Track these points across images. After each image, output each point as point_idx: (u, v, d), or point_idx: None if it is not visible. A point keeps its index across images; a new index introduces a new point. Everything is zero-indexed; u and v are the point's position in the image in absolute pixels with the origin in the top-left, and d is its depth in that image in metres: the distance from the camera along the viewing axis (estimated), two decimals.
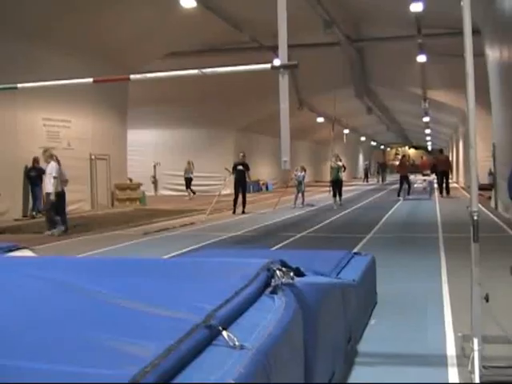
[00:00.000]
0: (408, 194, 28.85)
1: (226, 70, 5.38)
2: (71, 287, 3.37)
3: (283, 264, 3.73)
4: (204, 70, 4.85)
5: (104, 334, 2.45)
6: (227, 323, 2.68)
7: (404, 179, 29.29)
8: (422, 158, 36.46)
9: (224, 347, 2.46)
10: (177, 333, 2.40)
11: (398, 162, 37.43)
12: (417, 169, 64.70)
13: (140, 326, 2.58)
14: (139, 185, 28.95)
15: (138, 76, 5.85)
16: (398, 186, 30.60)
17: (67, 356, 2.27)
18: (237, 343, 2.46)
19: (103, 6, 20.38)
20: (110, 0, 20.32)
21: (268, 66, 4.83)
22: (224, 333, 2.53)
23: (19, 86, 6.15)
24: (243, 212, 22.45)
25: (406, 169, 29.93)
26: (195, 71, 4.85)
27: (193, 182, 34.42)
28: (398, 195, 28.85)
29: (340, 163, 25.71)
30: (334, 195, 25.41)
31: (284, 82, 4.73)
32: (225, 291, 3.05)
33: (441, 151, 38.64)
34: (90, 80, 5.57)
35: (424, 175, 33.52)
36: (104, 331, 2.50)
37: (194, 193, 33.39)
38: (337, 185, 25.33)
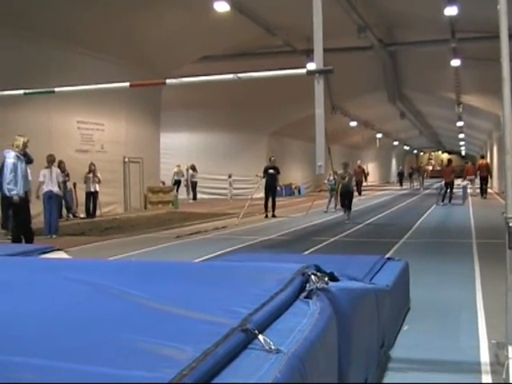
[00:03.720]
0: (449, 200, 28.42)
1: (261, 75, 5.39)
2: (107, 290, 3.41)
3: (318, 269, 3.73)
4: (240, 75, 4.87)
5: (141, 337, 2.47)
6: (263, 327, 2.69)
7: (448, 185, 28.94)
8: (466, 163, 36.10)
9: (260, 351, 2.47)
10: (213, 336, 2.41)
11: (430, 167, 37.17)
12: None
13: (176, 329, 2.60)
14: (172, 188, 29.08)
15: (174, 80, 5.89)
16: (432, 191, 30.30)
17: (105, 358, 2.30)
18: (273, 347, 2.47)
19: (137, 10, 20.50)
20: (144, 4, 20.42)
21: (303, 71, 4.83)
22: (260, 337, 2.54)
23: (56, 90, 6.21)
24: (273, 216, 22.44)
25: (451, 174, 29.49)
26: (231, 76, 4.87)
27: (224, 185, 34.51)
28: (443, 200, 28.52)
29: (345, 174, 21.15)
30: (343, 206, 21.29)
31: (319, 87, 4.73)
32: (260, 295, 3.06)
33: (482, 157, 38.39)
34: (127, 84, 5.61)
35: (469, 181, 33.12)
36: (141, 334, 2.52)
37: (194, 198, 33.72)
38: (346, 197, 20.94)
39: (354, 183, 24.31)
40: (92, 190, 22.02)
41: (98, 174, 21.97)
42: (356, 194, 26.01)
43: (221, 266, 4.83)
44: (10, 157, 12.45)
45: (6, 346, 2.47)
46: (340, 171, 21.69)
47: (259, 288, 3.28)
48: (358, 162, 30.85)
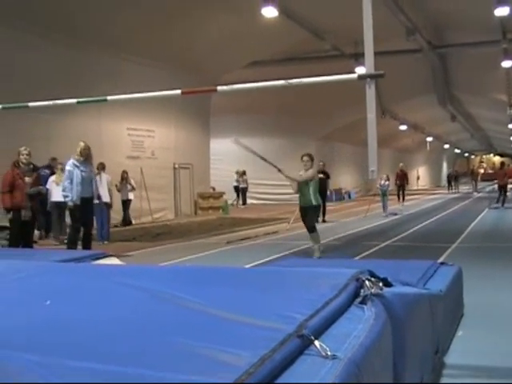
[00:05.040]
0: (502, 204, 27.96)
1: (312, 81, 5.38)
2: (162, 295, 3.44)
3: (371, 274, 3.72)
4: (290, 81, 4.87)
5: (198, 342, 2.49)
6: (318, 333, 2.69)
7: (501, 188, 28.51)
8: None
9: (316, 357, 2.47)
10: (270, 342, 2.42)
11: (482, 170, 36.66)
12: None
13: (232, 334, 2.62)
14: (222, 194, 29.18)
15: (225, 87, 5.92)
16: (484, 194, 29.87)
17: (162, 363, 2.32)
18: (329, 353, 2.47)
19: (185, 16, 20.63)
20: (192, 10, 20.54)
21: (355, 75, 4.82)
22: (316, 342, 2.54)
23: (109, 98, 6.30)
24: (324, 221, 22.38)
25: (504, 177, 28.98)
26: (282, 82, 4.88)
27: (276, 190, 34.52)
28: (497, 202, 28.12)
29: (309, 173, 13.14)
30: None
31: (371, 91, 4.71)
32: (315, 301, 3.06)
33: None
34: (178, 92, 5.65)
35: None
36: (197, 339, 2.54)
37: (244, 203, 33.67)
38: (306, 213, 13.02)
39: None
40: (125, 198, 21.49)
41: (132, 182, 21.51)
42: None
43: (274, 271, 4.84)
44: (68, 164, 12.73)
45: (64, 350, 2.51)
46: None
47: (314, 293, 3.28)
48: (401, 164, 30.44)
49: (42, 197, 13.80)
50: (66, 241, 16.32)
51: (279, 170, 13.53)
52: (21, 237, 12.97)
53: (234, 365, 2.20)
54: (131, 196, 21.55)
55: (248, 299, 3.35)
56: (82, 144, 12.99)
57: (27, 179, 12.69)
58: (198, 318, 2.93)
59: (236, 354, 2.31)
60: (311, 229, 13.07)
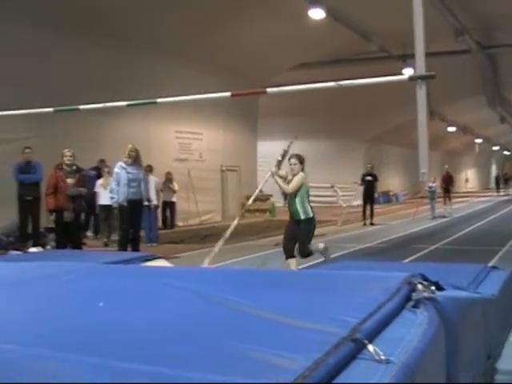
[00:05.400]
0: None
1: (362, 82, 5.35)
2: (211, 297, 3.44)
3: (424, 278, 3.68)
4: (340, 83, 4.85)
5: (249, 345, 2.49)
6: (372, 337, 2.67)
7: None
8: None
9: (370, 361, 2.44)
10: (323, 346, 2.41)
11: None
12: None
13: (285, 337, 2.61)
14: (269, 196, 29.18)
15: (274, 89, 5.92)
16: None
17: (213, 366, 2.32)
18: (382, 357, 2.45)
19: (232, 19, 20.69)
20: (239, 13, 20.59)
21: (405, 77, 4.79)
22: (369, 346, 2.52)
23: (158, 100, 6.36)
24: (371, 223, 22.28)
25: None
26: (332, 84, 4.86)
27: (323, 193, 34.38)
28: None
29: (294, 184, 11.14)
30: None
31: (421, 93, 4.67)
32: (367, 304, 3.03)
33: None
34: (228, 94, 5.67)
35: None
36: (248, 342, 2.54)
37: None
38: (295, 230, 11.05)
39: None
40: (168, 199, 21.30)
41: (175, 184, 21.31)
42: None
43: (324, 274, 4.82)
44: (116, 166, 12.91)
45: (116, 352, 2.53)
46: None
47: (365, 297, 3.25)
48: (446, 167, 30.18)
49: (85, 198, 13.91)
50: (106, 242, 16.59)
51: (272, 174, 11.43)
52: (68, 239, 13.15)
53: (287, 368, 2.19)
54: (174, 198, 21.36)
55: (299, 302, 3.34)
56: (129, 146, 13.16)
57: (69, 180, 12.87)
58: (248, 321, 2.92)
59: (289, 358, 2.30)
60: (304, 253, 10.84)
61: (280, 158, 11.93)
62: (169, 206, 21.36)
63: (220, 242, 11.83)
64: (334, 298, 3.36)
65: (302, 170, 11.44)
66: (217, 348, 2.52)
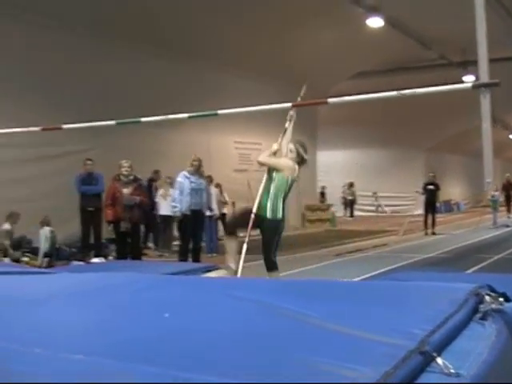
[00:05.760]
0: None
1: (425, 91, 5.27)
2: (274, 309, 3.42)
3: (491, 289, 3.61)
4: (403, 92, 4.80)
5: (316, 357, 2.46)
6: (440, 349, 2.62)
7: None
8: None
9: (439, 374, 2.40)
10: (391, 358, 2.37)
11: None
12: None
13: (352, 350, 2.58)
14: (329, 206, 29.09)
15: (335, 99, 5.91)
16: None
17: (279, 378, 2.30)
18: (452, 370, 2.40)
19: (288, 29, 20.70)
20: (296, 23, 20.58)
21: (469, 85, 4.72)
22: (438, 359, 2.47)
23: (219, 112, 6.38)
24: (433, 233, 22.03)
25: None
26: (394, 93, 4.82)
27: (384, 202, 34.20)
28: None
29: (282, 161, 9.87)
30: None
31: (485, 101, 4.61)
32: (434, 316, 2.98)
33: None
34: (289, 105, 5.66)
35: None
36: (314, 354, 2.51)
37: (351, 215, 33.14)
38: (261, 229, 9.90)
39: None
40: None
41: (225, 195, 19.85)
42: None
43: (388, 284, 4.76)
44: (179, 176, 13.04)
45: (180, 363, 2.53)
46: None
47: (432, 308, 3.20)
48: (507, 175, 29.72)
49: (143, 208, 13.93)
50: (165, 253, 16.68)
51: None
52: (128, 249, 13.29)
53: (356, 381, 2.17)
54: (225, 210, 19.86)
55: (363, 313, 3.30)
56: (193, 156, 13.26)
57: (125, 190, 13.00)
58: (313, 333, 2.89)
59: (357, 371, 2.27)
60: (267, 263, 9.37)
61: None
62: (219, 217, 20.93)
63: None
64: (400, 310, 3.32)
65: (299, 164, 9.81)
66: (282, 360, 2.51)
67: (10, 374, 2.38)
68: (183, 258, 13.01)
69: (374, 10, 20.08)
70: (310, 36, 21.75)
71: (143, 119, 7.69)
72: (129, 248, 13.59)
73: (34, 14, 15.19)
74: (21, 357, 2.63)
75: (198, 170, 13.27)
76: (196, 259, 12.89)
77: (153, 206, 17.02)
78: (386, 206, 35.22)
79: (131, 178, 13.28)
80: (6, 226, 14.55)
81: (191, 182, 13.01)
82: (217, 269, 7.88)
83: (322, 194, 33.95)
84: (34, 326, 3.23)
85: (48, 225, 14.56)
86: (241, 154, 23.53)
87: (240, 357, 2.59)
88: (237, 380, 2.27)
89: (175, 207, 13.17)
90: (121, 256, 13.16)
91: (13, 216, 14.60)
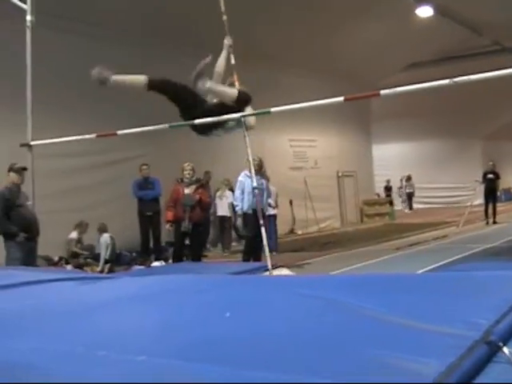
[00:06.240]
0: None
1: (478, 77, 5.16)
2: (339, 304, 3.41)
3: None
4: (455, 79, 4.73)
5: (383, 351, 2.45)
6: (506, 339, 2.58)
7: None
8: None
9: (505, 364, 2.36)
10: (456, 349, 2.34)
11: None
12: None
13: (417, 342, 2.55)
14: (387, 200, 28.90)
15: (388, 91, 5.83)
16: None
17: (347, 372, 2.29)
18: None
19: (339, 24, 20.62)
20: (345, 19, 20.48)
21: None
22: (505, 349, 2.44)
23: (272, 110, 6.37)
24: (494, 222, 21.69)
25: None
26: (446, 81, 4.75)
27: (442, 194, 33.80)
28: None
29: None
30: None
31: None
32: (499, 306, 2.94)
33: None
34: (341, 99, 5.63)
35: None
36: (382, 348, 2.50)
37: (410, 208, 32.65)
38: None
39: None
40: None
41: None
42: None
43: (450, 276, 4.72)
44: (240, 175, 13.09)
45: (246, 362, 2.53)
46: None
47: (495, 298, 3.16)
48: None
49: (204, 208, 13.92)
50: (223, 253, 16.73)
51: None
52: (187, 251, 13.37)
53: (422, 373, 2.15)
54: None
55: (428, 305, 3.27)
56: (254, 157, 13.29)
57: (186, 190, 13.07)
58: (379, 327, 2.88)
59: (423, 362, 2.26)
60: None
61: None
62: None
63: None
64: (464, 301, 3.28)
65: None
66: (350, 354, 2.50)
67: (75, 377, 2.42)
68: (247, 256, 13.00)
69: (422, 0, 19.89)
70: (361, 30, 21.64)
71: (196, 121, 7.72)
72: (188, 250, 13.67)
73: (89, 24, 15.40)
74: (85, 359, 2.67)
75: (259, 170, 13.29)
76: (257, 258, 12.89)
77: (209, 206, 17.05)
78: (444, 197, 34.74)
79: (193, 179, 13.35)
80: (74, 235, 14.77)
81: (252, 182, 13.03)
82: (278, 267, 7.89)
83: (387, 188, 33.79)
84: (97, 329, 3.28)
85: (106, 231, 14.74)
86: (296, 152, 23.52)
87: (307, 354, 2.59)
88: (305, 377, 2.27)
89: (237, 206, 13.26)
90: (177, 257, 13.24)
91: (82, 225, 14.81)
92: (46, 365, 2.60)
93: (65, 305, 4.10)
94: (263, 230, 8.78)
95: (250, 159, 9.79)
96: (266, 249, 8.16)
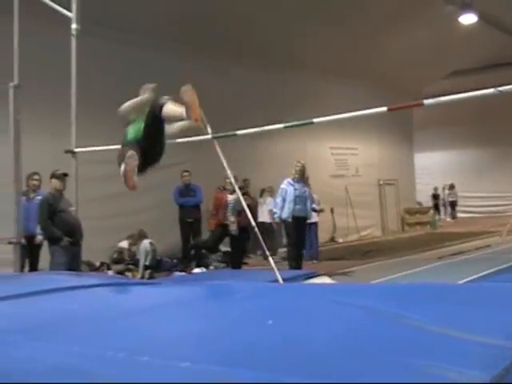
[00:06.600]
0: None
1: None
2: (380, 313, 3.40)
3: None
4: (500, 89, 4.69)
5: (425, 361, 2.44)
6: None
7: None
8: None
9: None
10: (500, 361, 2.33)
11: None
12: None
13: (460, 352, 2.54)
14: (429, 209, 28.66)
15: (431, 100, 5.81)
16: None
17: (389, 382, 2.28)
18: None
19: (380, 32, 20.51)
20: (388, 26, 20.38)
21: None
22: None
23: (315, 120, 6.37)
24: None
25: None
26: (491, 90, 4.71)
27: (485, 203, 33.41)
28: None
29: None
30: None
31: None
32: None
33: None
34: (384, 109, 5.62)
35: None
36: (424, 358, 2.49)
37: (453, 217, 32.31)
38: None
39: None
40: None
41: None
42: None
43: (492, 287, 4.69)
44: (283, 183, 13.11)
45: (285, 368, 2.54)
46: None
47: None
48: None
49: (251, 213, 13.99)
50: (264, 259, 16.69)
51: None
52: (230, 257, 13.45)
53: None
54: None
55: (469, 316, 3.25)
56: (296, 163, 13.32)
57: (229, 197, 13.14)
58: (420, 336, 2.87)
59: (467, 374, 2.24)
60: None
61: None
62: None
63: None
64: (506, 312, 3.25)
65: None
66: (392, 364, 2.49)
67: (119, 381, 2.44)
68: (292, 262, 13.00)
69: (466, 7, 19.72)
70: (402, 37, 21.52)
71: (239, 132, 7.80)
72: (229, 256, 13.78)
73: (131, 32, 15.53)
74: (128, 365, 2.69)
75: (302, 177, 13.28)
76: (298, 266, 12.88)
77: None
78: (485, 206, 34.33)
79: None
80: (124, 244, 14.78)
81: (295, 189, 13.03)
82: (319, 275, 7.88)
83: (435, 196, 33.45)
84: (140, 335, 3.31)
85: (145, 237, 14.77)
86: (337, 160, 23.46)
87: (347, 362, 2.59)
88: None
89: (275, 213, 13.28)
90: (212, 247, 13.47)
91: (133, 237, 14.79)
92: (91, 369, 2.63)
93: (108, 310, 4.15)
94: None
95: (231, 177, 10.31)
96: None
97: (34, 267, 11.51)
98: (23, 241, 10.51)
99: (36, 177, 11.48)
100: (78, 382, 2.49)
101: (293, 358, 2.71)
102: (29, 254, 11.46)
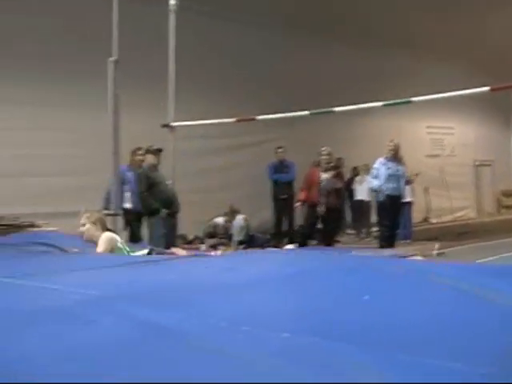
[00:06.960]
0: None
1: None
2: (482, 294, 3.36)
3: None
4: None
5: None
6: None
7: None
8: None
9: None
10: None
11: None
12: None
13: None
14: None
15: None
16: None
17: (490, 362, 2.27)
18: None
19: (483, 16, 20.09)
20: (492, 9, 19.93)
21: None
22: None
23: (413, 99, 6.32)
24: None
25: None
26: None
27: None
28: None
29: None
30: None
31: None
32: None
33: None
34: (487, 88, 5.52)
35: None
36: None
37: None
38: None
39: None
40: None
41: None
42: None
43: None
44: (376, 162, 12.98)
45: (393, 346, 2.53)
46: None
47: None
48: None
49: (340, 195, 13.93)
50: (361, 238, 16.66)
51: None
52: (321, 236, 13.45)
53: None
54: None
55: None
56: (390, 142, 13.20)
57: (323, 175, 13.09)
58: None
59: None
60: None
61: None
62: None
63: None
64: None
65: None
66: (492, 342, 2.47)
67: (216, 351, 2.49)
68: (385, 243, 12.90)
69: None
70: (503, 18, 21.02)
71: (336, 109, 7.77)
72: (320, 235, 13.78)
73: (231, 9, 15.64)
74: (230, 333, 2.74)
75: (395, 156, 13.14)
76: (391, 246, 12.78)
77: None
78: None
79: (331, 164, 13.38)
80: (221, 220, 14.91)
81: (388, 168, 12.89)
82: (411, 256, 7.83)
83: None
84: (241, 306, 3.36)
85: (238, 212, 14.87)
86: (433, 139, 23.17)
87: (450, 342, 2.57)
88: (462, 364, 2.26)
89: (373, 191, 13.26)
90: (306, 239, 13.38)
91: (230, 213, 14.90)
92: (196, 334, 2.70)
93: (209, 281, 4.22)
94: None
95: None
96: None
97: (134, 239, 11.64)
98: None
99: (140, 152, 11.72)
100: (178, 343, 2.56)
101: (387, 334, 2.70)
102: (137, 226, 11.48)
